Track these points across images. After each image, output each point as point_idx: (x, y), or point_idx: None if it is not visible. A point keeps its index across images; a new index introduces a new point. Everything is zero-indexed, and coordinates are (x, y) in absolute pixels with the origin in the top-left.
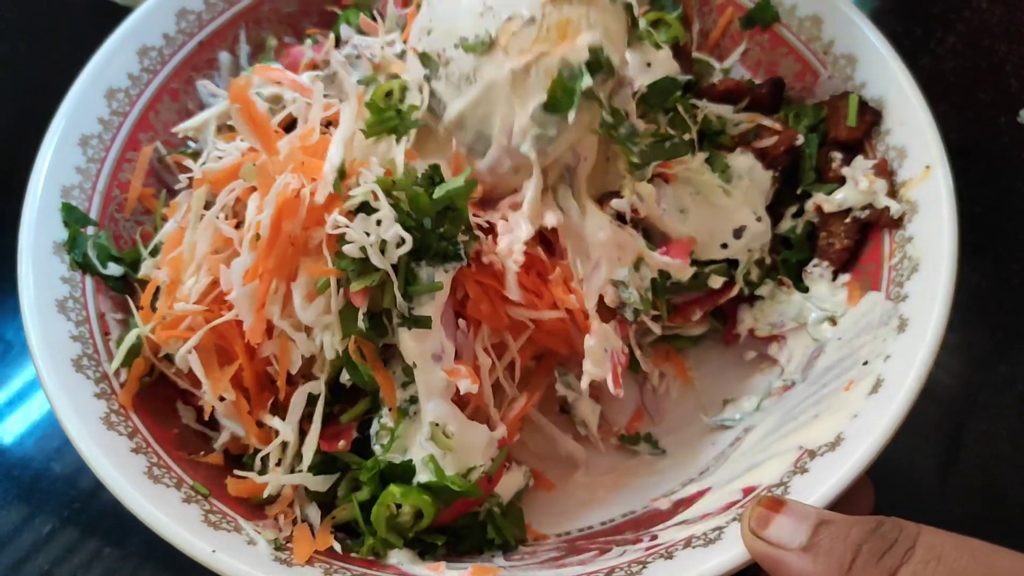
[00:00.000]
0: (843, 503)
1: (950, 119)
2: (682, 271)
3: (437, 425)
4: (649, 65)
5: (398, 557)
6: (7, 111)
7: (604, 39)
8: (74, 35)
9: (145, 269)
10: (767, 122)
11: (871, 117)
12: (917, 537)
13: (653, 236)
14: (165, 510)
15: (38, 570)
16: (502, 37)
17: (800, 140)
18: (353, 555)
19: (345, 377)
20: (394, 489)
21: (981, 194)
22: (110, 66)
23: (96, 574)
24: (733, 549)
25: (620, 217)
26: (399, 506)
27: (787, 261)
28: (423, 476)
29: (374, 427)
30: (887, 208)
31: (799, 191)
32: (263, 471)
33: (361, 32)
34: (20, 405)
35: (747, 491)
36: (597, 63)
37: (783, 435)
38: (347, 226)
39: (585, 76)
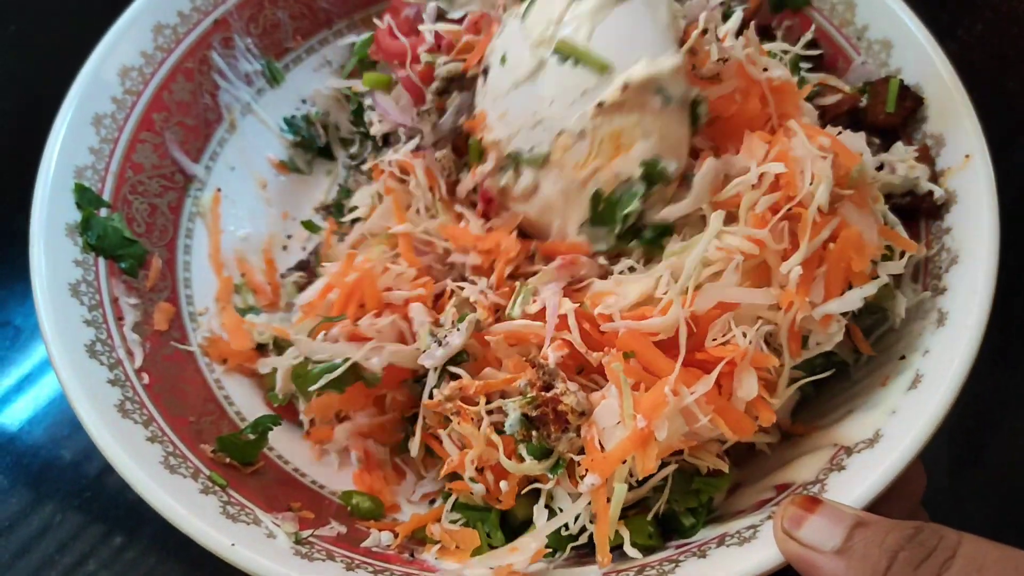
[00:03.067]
0: (894, 490)
1: (977, 109)
2: None
3: None
4: None
5: (428, 553)
6: (17, 92)
7: (659, 147)
8: (85, 14)
9: None
10: (834, 82)
11: (912, 103)
12: (957, 547)
13: None
14: (182, 502)
15: (51, 559)
16: (555, 152)
17: (863, 103)
18: (375, 549)
19: None
20: None
21: (1010, 186)
22: (123, 44)
23: (106, 562)
24: (768, 549)
25: None
26: None
27: None
28: None
29: None
30: (929, 194)
31: None
32: None
33: None
34: (30, 391)
35: (780, 488)
36: (651, 175)
37: (815, 431)
38: None
39: (635, 200)
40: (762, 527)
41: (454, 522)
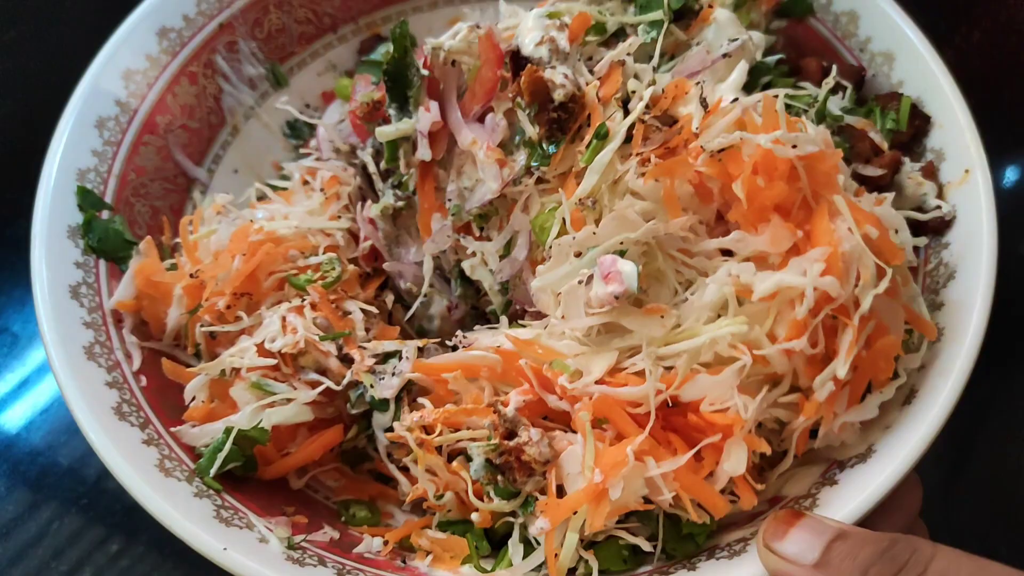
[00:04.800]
0: (889, 504)
1: (975, 119)
2: None
3: None
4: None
5: (420, 560)
6: (17, 97)
7: None
8: (85, 19)
9: None
10: (874, 134)
11: (920, 122)
12: (930, 561)
13: None
14: (176, 505)
15: (47, 565)
16: None
17: (905, 161)
18: (367, 555)
19: None
20: None
21: (1006, 196)
22: (127, 47)
23: (103, 568)
24: (758, 563)
25: None
26: None
27: None
28: None
29: None
30: (937, 209)
31: None
32: None
33: None
34: (27, 398)
35: (773, 501)
36: None
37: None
38: None
39: None
40: (753, 540)
41: (444, 530)
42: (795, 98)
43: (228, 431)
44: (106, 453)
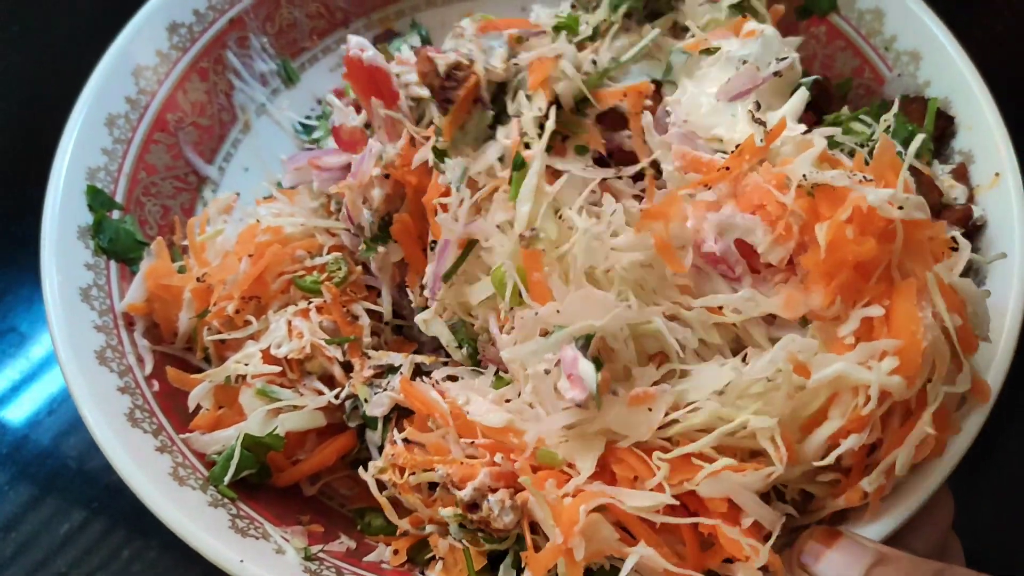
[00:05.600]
0: (921, 518)
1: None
2: None
3: None
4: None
5: (432, 571)
6: (21, 93)
7: None
8: (88, 14)
9: None
10: (938, 182)
11: (943, 123)
12: None
13: None
14: (191, 515)
15: (54, 565)
16: None
17: (976, 214)
18: (384, 565)
19: None
20: None
21: None
22: (138, 43)
23: (115, 571)
24: None
25: None
26: None
27: None
28: None
29: None
30: (966, 212)
31: None
32: None
33: None
34: (35, 399)
35: None
36: None
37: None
38: None
39: None
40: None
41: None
42: (849, 133)
43: (240, 438)
44: (119, 461)
